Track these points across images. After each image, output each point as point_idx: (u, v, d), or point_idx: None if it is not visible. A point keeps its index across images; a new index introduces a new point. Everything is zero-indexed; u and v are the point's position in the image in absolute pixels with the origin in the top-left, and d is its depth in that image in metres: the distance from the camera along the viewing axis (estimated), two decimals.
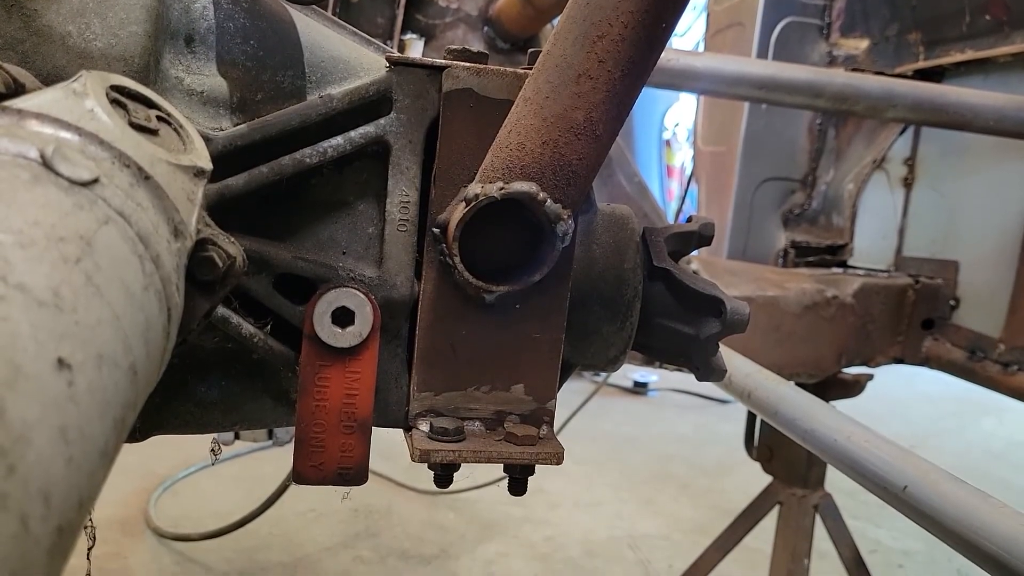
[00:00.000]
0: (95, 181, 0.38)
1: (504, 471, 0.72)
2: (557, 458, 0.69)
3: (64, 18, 0.59)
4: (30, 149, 0.37)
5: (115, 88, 0.45)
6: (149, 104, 0.47)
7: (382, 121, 0.66)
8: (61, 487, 0.28)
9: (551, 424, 0.73)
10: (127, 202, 0.39)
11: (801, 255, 2.22)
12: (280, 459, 3.42)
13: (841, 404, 2.00)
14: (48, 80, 0.57)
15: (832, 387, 1.99)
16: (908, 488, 0.87)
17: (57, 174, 0.37)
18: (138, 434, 0.68)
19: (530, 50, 0.70)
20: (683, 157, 7.02)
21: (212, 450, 0.83)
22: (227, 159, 0.62)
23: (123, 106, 0.45)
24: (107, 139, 0.41)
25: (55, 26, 0.58)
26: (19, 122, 0.40)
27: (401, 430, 0.72)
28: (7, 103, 0.41)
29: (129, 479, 3.06)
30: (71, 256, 0.34)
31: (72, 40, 0.58)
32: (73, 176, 0.37)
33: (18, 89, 0.44)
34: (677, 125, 7.19)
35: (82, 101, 0.42)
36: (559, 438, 0.72)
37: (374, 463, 0.72)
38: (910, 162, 2.07)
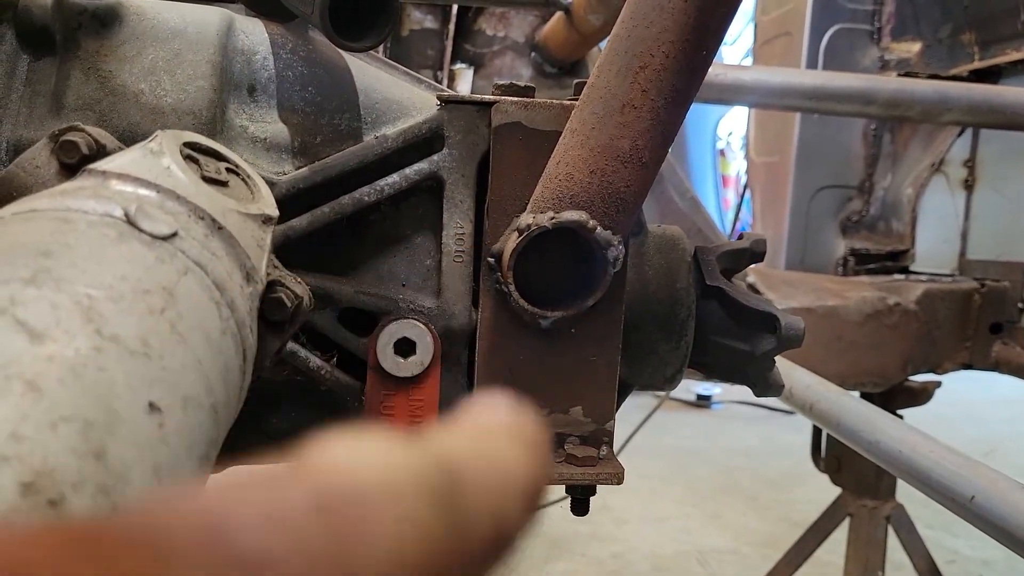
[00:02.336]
0: (174, 235, 0.41)
1: (566, 492, 0.73)
2: (617, 478, 0.71)
3: (137, 77, 0.63)
4: (115, 208, 0.40)
5: (188, 144, 0.48)
6: (219, 157, 0.50)
7: (435, 157, 0.69)
8: None
9: (611, 444, 0.74)
10: (203, 252, 0.42)
11: (861, 262, 2.20)
12: None
13: (913, 411, 1.97)
14: (124, 136, 0.61)
15: (899, 396, 1.96)
16: (976, 498, 0.86)
17: (140, 230, 0.40)
18: (215, 466, 0.71)
19: (575, 81, 0.72)
20: (738, 166, 6.96)
21: None
22: (290, 201, 0.65)
23: (196, 161, 0.48)
24: (183, 194, 0.44)
25: (129, 85, 0.62)
26: (104, 183, 0.43)
27: None
28: (92, 165, 0.45)
29: None
30: (156, 307, 0.37)
31: (145, 97, 0.62)
32: (154, 231, 0.40)
33: (100, 150, 0.48)
34: (731, 134, 7.14)
35: (159, 160, 0.45)
36: (623, 453, 0.74)
37: None
38: (970, 164, 2.04)
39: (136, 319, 0.35)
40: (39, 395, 0.29)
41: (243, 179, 0.51)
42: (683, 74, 0.61)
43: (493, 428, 0.25)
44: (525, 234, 0.65)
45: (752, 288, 1.76)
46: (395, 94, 0.72)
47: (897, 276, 2.06)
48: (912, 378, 1.93)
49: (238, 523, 0.17)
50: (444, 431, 0.24)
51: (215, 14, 0.67)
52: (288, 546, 0.17)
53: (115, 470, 0.29)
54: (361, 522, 0.18)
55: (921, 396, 1.99)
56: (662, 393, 4.20)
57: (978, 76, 1.96)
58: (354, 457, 0.20)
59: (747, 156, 2.60)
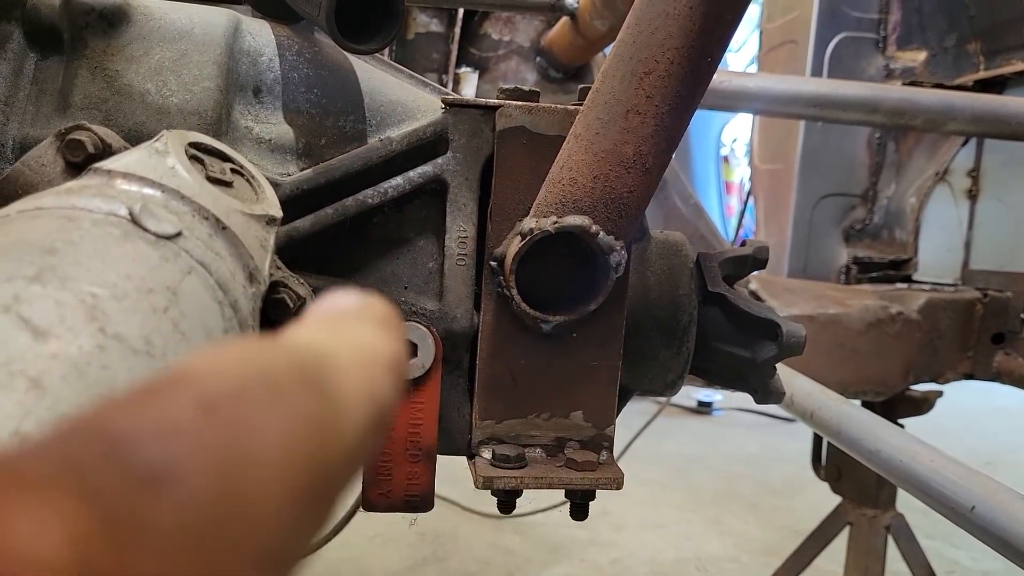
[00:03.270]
0: (178, 234, 0.41)
1: (566, 496, 0.73)
2: (617, 483, 0.71)
3: (143, 77, 0.63)
4: (120, 207, 0.41)
5: (193, 145, 0.49)
6: (224, 158, 0.51)
7: (439, 160, 0.69)
8: None
9: (611, 449, 0.74)
10: (207, 252, 0.43)
11: (864, 271, 2.20)
12: None
13: (914, 421, 1.97)
14: (130, 135, 0.61)
15: (900, 405, 1.95)
16: (976, 508, 0.86)
17: (144, 229, 0.40)
18: None
19: (580, 86, 0.72)
20: (742, 173, 6.96)
21: None
22: (294, 202, 0.65)
23: (201, 161, 0.48)
24: (187, 194, 0.44)
25: (135, 85, 0.63)
26: (109, 182, 0.43)
27: (464, 457, 0.74)
28: (97, 164, 0.45)
29: None
30: (160, 306, 0.37)
31: (151, 97, 0.63)
32: (159, 231, 0.40)
33: (105, 149, 0.48)
34: (735, 141, 7.14)
35: (164, 159, 0.45)
36: (623, 459, 0.74)
37: (440, 487, 0.74)
38: (974, 174, 2.04)
39: (139, 318, 0.35)
40: (42, 392, 0.29)
41: (247, 180, 0.51)
42: (688, 80, 0.62)
43: (344, 312, 0.26)
44: (528, 238, 0.66)
45: (754, 295, 1.76)
46: (400, 97, 0.72)
47: (900, 285, 2.06)
48: (913, 387, 1.93)
49: (135, 437, 0.17)
50: (300, 325, 0.25)
51: (222, 15, 0.67)
52: (185, 452, 0.17)
53: None
54: (247, 415, 0.18)
55: (922, 405, 1.98)
56: (663, 399, 4.20)
57: (983, 86, 1.96)
58: (225, 360, 0.20)
59: (751, 163, 2.60)
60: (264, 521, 0.18)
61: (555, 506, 2.87)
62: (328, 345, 0.23)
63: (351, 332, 0.25)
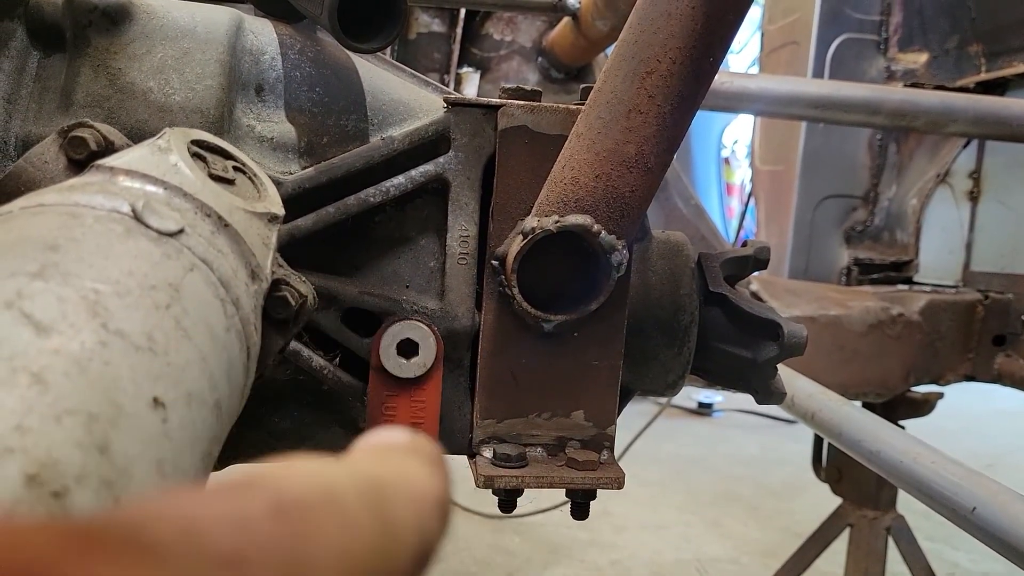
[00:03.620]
0: (181, 231, 0.41)
1: (566, 496, 0.73)
2: (618, 483, 0.71)
3: (146, 75, 0.63)
4: (122, 204, 0.41)
5: (195, 142, 0.49)
6: (226, 155, 0.51)
7: (441, 160, 0.69)
8: None
9: (612, 449, 0.74)
10: (209, 249, 0.43)
11: (865, 272, 2.20)
12: None
13: (914, 422, 1.97)
14: (132, 133, 0.61)
15: (901, 406, 1.95)
16: (977, 510, 0.86)
17: (147, 226, 0.40)
18: (216, 463, 0.71)
19: (582, 86, 0.72)
20: (742, 174, 6.96)
21: None
22: (296, 201, 0.65)
23: (203, 159, 0.48)
24: (190, 191, 0.44)
25: (138, 83, 0.63)
26: (111, 179, 0.43)
27: (465, 456, 0.74)
28: (100, 161, 0.45)
29: None
30: (162, 303, 0.37)
31: (153, 95, 0.63)
32: (161, 228, 0.40)
33: (108, 147, 0.48)
34: (736, 143, 7.14)
35: (167, 157, 0.45)
36: (623, 460, 0.74)
37: None
38: (975, 175, 2.04)
39: (142, 314, 0.35)
40: (44, 388, 0.29)
41: (250, 178, 0.51)
42: (690, 80, 0.62)
43: (395, 447, 0.28)
44: (529, 237, 0.66)
45: (755, 296, 1.76)
46: (402, 96, 0.72)
47: (900, 287, 2.06)
48: (914, 389, 1.93)
49: (211, 526, 0.18)
50: (356, 453, 0.27)
51: (224, 13, 0.67)
52: (256, 546, 0.19)
53: (118, 464, 0.29)
54: (313, 525, 0.20)
55: (923, 407, 1.99)
56: (663, 400, 4.20)
57: (984, 88, 1.96)
58: (299, 471, 0.22)
59: (752, 164, 2.60)
60: None
61: (556, 506, 2.88)
62: (383, 476, 0.25)
63: (403, 467, 0.26)
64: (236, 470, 0.23)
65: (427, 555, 0.24)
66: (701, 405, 5.31)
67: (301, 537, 0.20)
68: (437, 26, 1.96)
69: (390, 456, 0.27)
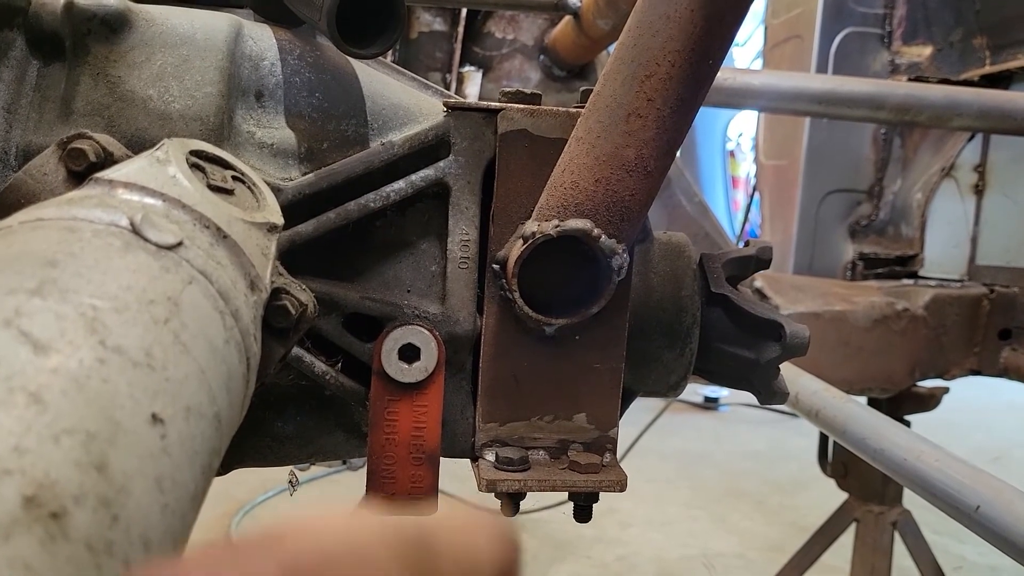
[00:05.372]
0: (179, 244, 0.41)
1: (569, 498, 0.74)
2: (620, 485, 0.71)
3: (145, 83, 0.63)
4: (120, 217, 0.41)
5: (194, 153, 0.49)
6: (225, 165, 0.51)
7: (441, 164, 0.69)
8: (158, 532, 0.31)
9: (614, 451, 0.74)
10: (208, 261, 0.43)
11: (870, 267, 2.19)
12: (353, 483, 3.48)
13: (920, 417, 1.96)
14: (132, 141, 0.61)
15: (906, 401, 1.95)
16: (981, 508, 0.86)
17: (145, 240, 0.40)
18: (221, 469, 0.71)
19: (582, 88, 0.72)
20: (748, 167, 6.94)
21: (290, 482, 0.86)
22: (296, 207, 0.65)
23: (202, 169, 0.48)
24: (188, 203, 0.44)
25: (137, 91, 0.63)
26: (110, 192, 0.44)
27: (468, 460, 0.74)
28: (99, 174, 0.45)
29: (212, 505, 3.15)
30: (160, 317, 0.37)
31: (153, 103, 0.63)
32: (160, 241, 0.41)
33: (107, 158, 0.48)
34: (741, 135, 7.12)
35: (165, 168, 0.45)
36: (629, 455, 0.74)
37: (446, 485, 0.74)
38: (980, 169, 2.03)
39: (140, 330, 0.35)
40: (42, 407, 0.29)
41: (249, 187, 0.51)
42: (689, 83, 0.61)
43: (472, 519, 0.25)
44: (530, 242, 0.66)
45: (759, 293, 1.75)
46: (402, 100, 0.72)
47: (906, 281, 2.05)
48: (920, 384, 1.92)
49: None
50: (434, 516, 0.24)
51: (223, 20, 0.67)
52: None
53: (117, 482, 0.30)
54: None
55: (929, 402, 1.98)
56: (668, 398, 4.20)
57: (989, 81, 1.95)
58: (322, 522, 0.20)
59: (756, 159, 2.59)
60: None
61: (561, 503, 2.88)
62: (440, 535, 0.23)
63: (470, 532, 0.24)
64: (259, 527, 0.21)
65: None
66: (707, 400, 5.31)
67: None
68: (439, 25, 1.96)
69: (460, 521, 0.24)
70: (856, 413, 1.16)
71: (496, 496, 0.72)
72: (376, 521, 0.21)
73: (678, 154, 0.69)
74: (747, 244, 0.82)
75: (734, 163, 7.07)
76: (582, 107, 0.68)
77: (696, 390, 5.29)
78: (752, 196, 2.67)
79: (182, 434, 0.35)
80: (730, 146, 6.98)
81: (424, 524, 0.23)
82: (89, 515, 0.28)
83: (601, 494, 0.73)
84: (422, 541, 0.21)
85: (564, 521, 3.18)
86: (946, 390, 1.99)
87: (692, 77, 0.61)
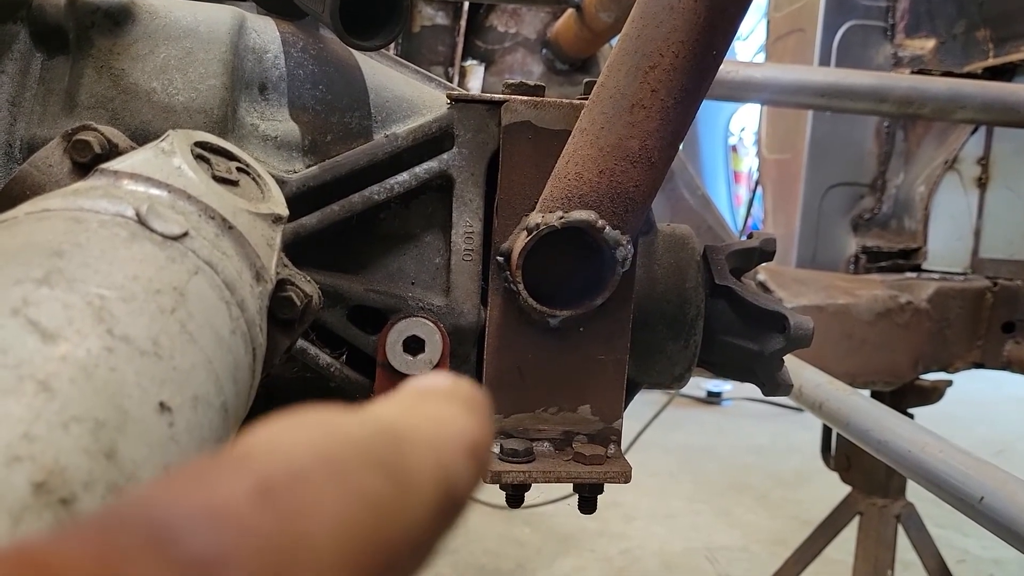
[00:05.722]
0: (185, 235, 0.41)
1: (574, 490, 0.74)
2: (625, 477, 0.71)
3: (149, 75, 0.63)
4: (126, 208, 0.41)
5: (199, 144, 0.49)
6: (230, 157, 0.51)
7: (445, 156, 0.69)
8: None
9: (618, 443, 0.74)
10: (214, 252, 0.43)
11: (873, 260, 2.19)
12: None
13: (923, 410, 1.97)
14: (136, 134, 0.61)
15: (909, 394, 1.95)
16: (985, 499, 0.86)
17: (151, 230, 0.40)
18: None
19: (585, 80, 0.72)
20: (750, 162, 6.93)
21: None
22: (301, 199, 0.65)
23: (207, 161, 0.48)
24: (194, 194, 0.44)
25: (141, 83, 0.63)
26: (115, 182, 0.44)
27: None
28: (104, 165, 0.45)
29: None
30: (167, 307, 0.37)
31: (157, 96, 0.63)
32: (165, 231, 0.41)
33: (112, 150, 0.48)
34: (743, 130, 7.11)
35: (170, 159, 0.46)
36: (633, 450, 0.74)
37: None
38: (983, 162, 2.03)
39: (147, 319, 0.36)
40: (51, 395, 0.29)
41: (254, 178, 0.51)
42: (693, 74, 0.61)
43: (431, 392, 0.25)
44: (534, 233, 0.66)
45: (762, 286, 1.75)
46: (405, 92, 0.72)
47: (909, 274, 2.05)
48: (923, 377, 1.92)
49: (183, 524, 0.16)
50: (384, 400, 0.24)
51: (227, 12, 0.67)
52: (236, 541, 0.16)
53: (125, 469, 0.30)
54: (305, 501, 0.18)
55: (932, 395, 1.98)
56: (672, 389, 4.20)
57: (992, 73, 1.95)
58: (290, 437, 0.19)
59: (759, 153, 2.59)
60: None
61: (565, 497, 2.89)
62: (405, 422, 0.22)
63: (433, 411, 0.24)
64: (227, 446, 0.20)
65: (454, 503, 0.22)
66: (710, 394, 5.31)
67: (288, 520, 0.17)
68: (441, 19, 1.96)
69: (420, 402, 0.24)
70: (860, 405, 1.16)
71: (500, 488, 0.72)
72: (344, 428, 0.21)
73: (681, 147, 0.69)
74: (751, 236, 0.82)
75: (736, 158, 7.07)
76: (586, 99, 0.68)
77: (699, 385, 5.29)
78: (755, 190, 2.66)
79: (190, 422, 0.35)
80: (732, 141, 6.98)
81: (392, 417, 0.23)
82: (98, 501, 0.28)
83: (605, 487, 0.73)
84: (393, 438, 0.21)
85: (568, 515, 3.19)
86: (949, 383, 2.00)
87: (696, 68, 0.61)
